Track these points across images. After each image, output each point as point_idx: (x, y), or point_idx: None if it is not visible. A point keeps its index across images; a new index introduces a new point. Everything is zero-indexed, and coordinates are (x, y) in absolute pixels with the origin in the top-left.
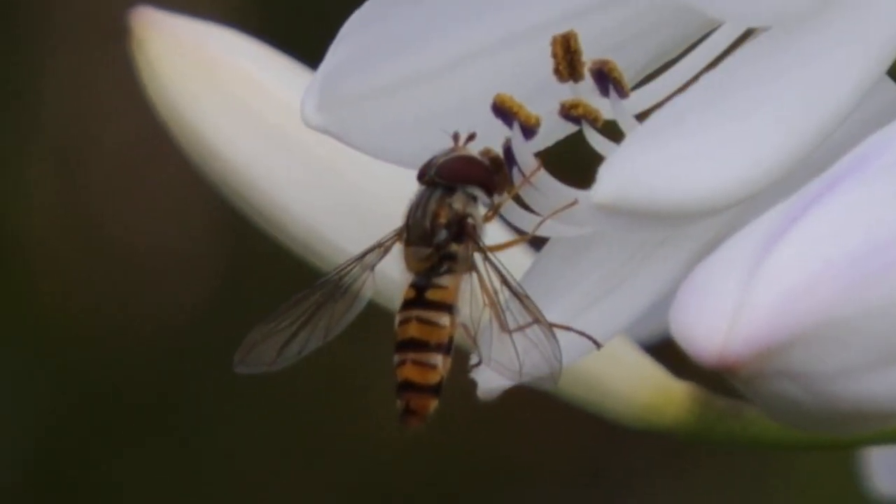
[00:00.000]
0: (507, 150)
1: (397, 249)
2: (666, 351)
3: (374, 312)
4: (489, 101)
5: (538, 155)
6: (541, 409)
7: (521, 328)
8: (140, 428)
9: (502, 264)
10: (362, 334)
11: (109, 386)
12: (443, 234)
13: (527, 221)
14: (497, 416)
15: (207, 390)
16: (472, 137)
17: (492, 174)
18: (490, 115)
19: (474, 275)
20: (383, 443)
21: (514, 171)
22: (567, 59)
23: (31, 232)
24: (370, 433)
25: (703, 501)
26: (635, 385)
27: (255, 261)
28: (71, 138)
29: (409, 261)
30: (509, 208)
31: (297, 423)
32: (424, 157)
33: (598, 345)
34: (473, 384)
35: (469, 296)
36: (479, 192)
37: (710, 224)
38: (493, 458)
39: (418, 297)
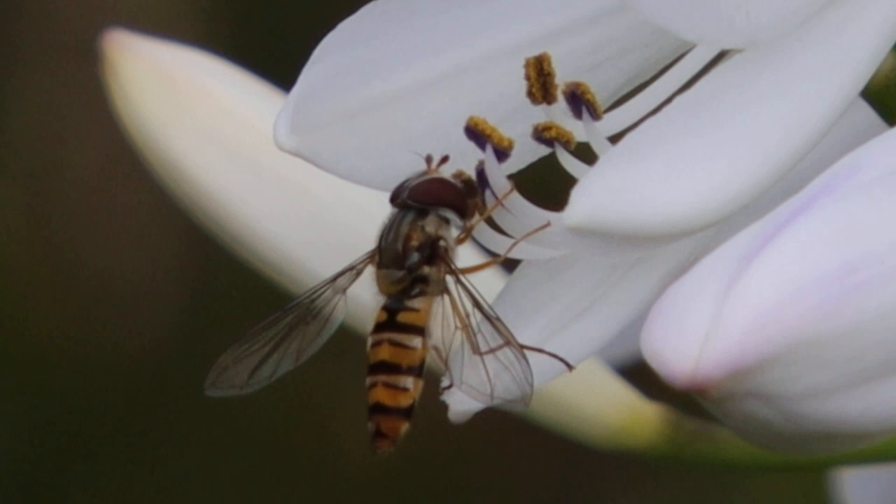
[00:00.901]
0: (480, 172)
1: (369, 272)
2: (637, 373)
3: (345, 333)
4: (462, 124)
5: (511, 177)
6: (508, 430)
7: (492, 351)
8: (106, 449)
9: (474, 287)
10: (333, 355)
11: (74, 407)
12: (415, 257)
13: (499, 244)
14: (465, 438)
15: (175, 412)
16: (444, 160)
17: (464, 197)
18: (463, 138)
19: (446, 297)
20: (351, 463)
21: (487, 193)
22: (540, 81)
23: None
24: (339, 453)
25: None
26: (606, 407)
27: (221, 284)
28: (37, 161)
29: (382, 283)
30: (482, 231)
31: (265, 444)
32: (397, 180)
33: (570, 367)
34: (443, 406)
35: (441, 318)
36: (451, 215)
37: (682, 246)
38: (459, 480)
39: (390, 320)
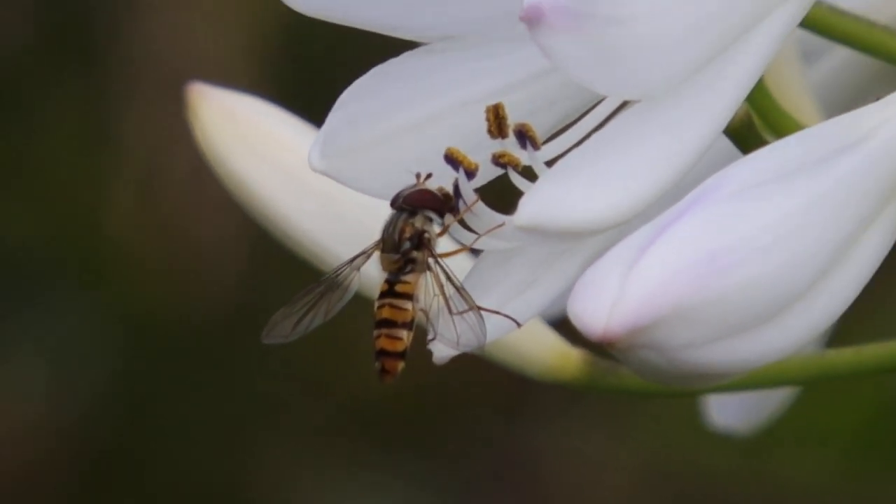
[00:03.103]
0: (455, 187)
1: (376, 255)
2: (565, 326)
3: (358, 300)
4: (442, 153)
5: (477, 190)
6: (474, 367)
7: (460, 313)
8: (194, 372)
9: (449, 267)
10: (349, 315)
11: (170, 348)
12: (407, 245)
13: (468, 237)
14: (441, 375)
15: (242, 349)
16: (429, 176)
17: (443, 203)
18: (443, 163)
19: (429, 274)
20: (366, 386)
21: (460, 202)
22: (497, 122)
23: (117, 234)
24: (358, 378)
25: (588, 429)
26: (544, 351)
27: (270, 263)
28: (146, 167)
29: (384, 263)
30: (455, 227)
31: (306, 373)
32: (396, 191)
33: (518, 325)
34: (428, 353)
35: (424, 288)
36: (433, 215)
37: (597, 240)
38: (437, 401)
39: (390, 290)
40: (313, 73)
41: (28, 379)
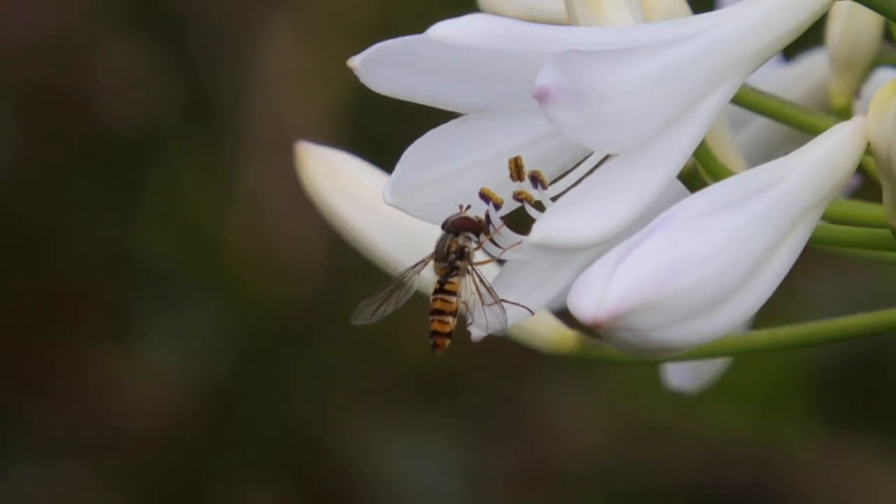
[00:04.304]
0: (487, 215)
1: (431, 263)
2: (565, 315)
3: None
4: (478, 191)
5: (502, 218)
6: (494, 346)
7: (489, 305)
8: (283, 350)
9: (482, 272)
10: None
11: (270, 322)
12: (452, 256)
13: (495, 251)
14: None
15: (324, 327)
16: (468, 208)
17: (478, 227)
18: (478, 198)
19: (468, 277)
20: (408, 358)
21: (490, 226)
22: (516, 170)
23: (234, 249)
24: (403, 354)
25: (578, 391)
26: (549, 332)
27: (347, 265)
28: (256, 198)
29: (436, 269)
30: (486, 244)
31: (367, 350)
32: (445, 218)
33: (532, 313)
34: (467, 333)
35: (464, 288)
36: (471, 236)
37: (587, 253)
38: (467, 372)
39: (440, 288)
40: (383, 133)
41: (167, 357)
